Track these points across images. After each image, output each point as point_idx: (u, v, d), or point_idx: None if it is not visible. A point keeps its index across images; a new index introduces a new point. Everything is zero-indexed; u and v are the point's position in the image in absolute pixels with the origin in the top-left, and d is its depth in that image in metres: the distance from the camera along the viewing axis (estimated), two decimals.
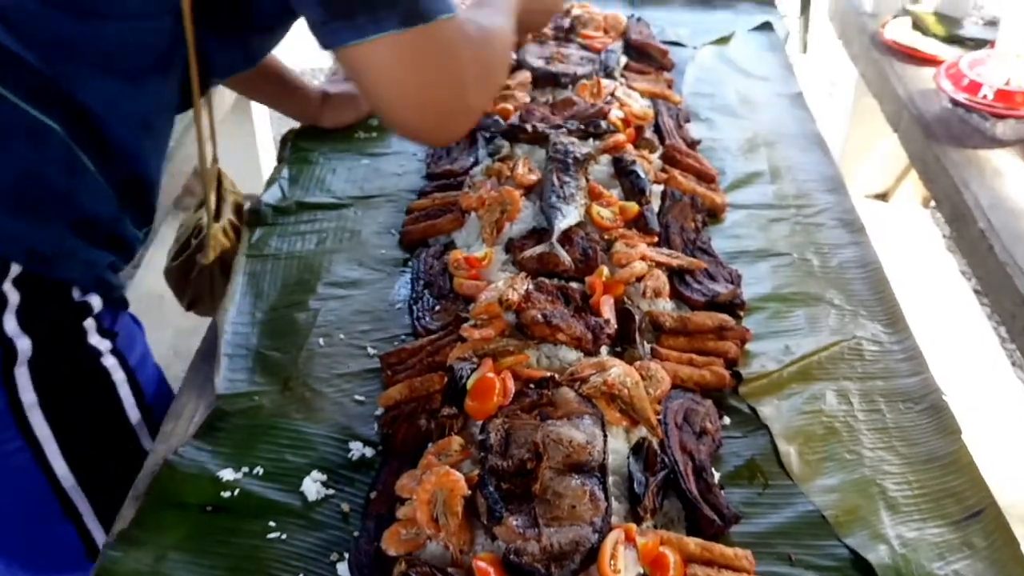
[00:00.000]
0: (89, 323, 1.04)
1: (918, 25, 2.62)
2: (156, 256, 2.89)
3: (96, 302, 1.06)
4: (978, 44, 2.53)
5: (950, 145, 2.15)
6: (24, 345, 0.99)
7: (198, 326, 2.73)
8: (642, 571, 0.90)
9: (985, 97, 2.13)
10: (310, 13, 0.95)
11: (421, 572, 0.88)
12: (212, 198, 1.28)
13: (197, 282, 1.34)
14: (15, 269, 0.96)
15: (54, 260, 0.98)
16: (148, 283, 2.83)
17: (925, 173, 2.23)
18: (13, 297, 0.97)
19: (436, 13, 0.95)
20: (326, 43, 0.96)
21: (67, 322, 1.03)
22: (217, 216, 1.31)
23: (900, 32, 2.57)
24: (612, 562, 0.88)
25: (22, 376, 0.99)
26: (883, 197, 3.16)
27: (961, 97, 2.16)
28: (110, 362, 1.09)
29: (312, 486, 1.03)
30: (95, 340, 1.05)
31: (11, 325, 0.97)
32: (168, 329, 2.69)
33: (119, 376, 1.11)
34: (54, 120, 0.94)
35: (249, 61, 1.18)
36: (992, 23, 2.60)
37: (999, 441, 2.31)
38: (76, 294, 1.05)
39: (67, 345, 1.03)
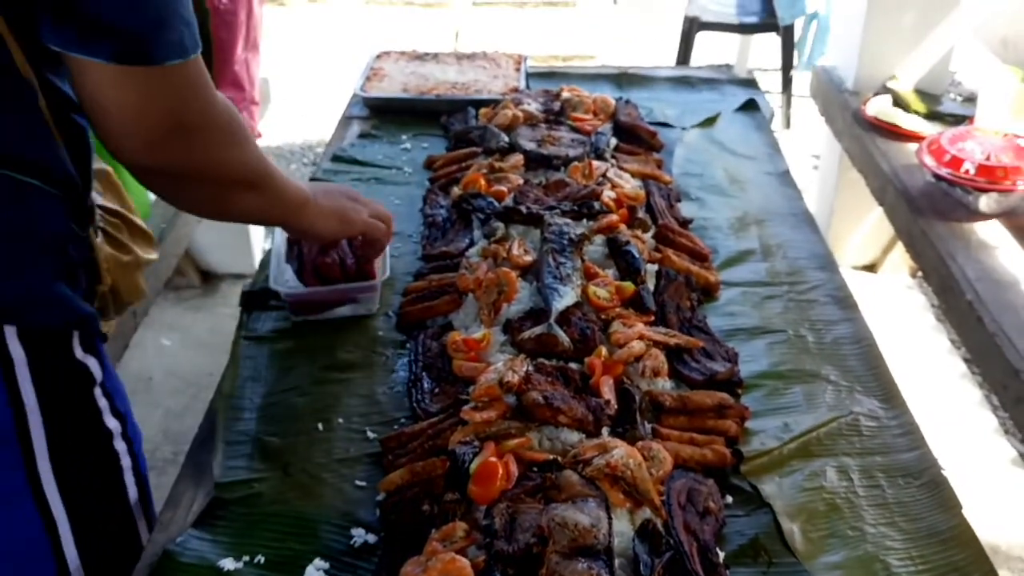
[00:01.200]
0: (102, 402, 1.05)
1: (898, 102, 2.69)
2: (145, 336, 2.89)
3: (95, 366, 1.07)
4: (957, 120, 2.60)
5: (935, 218, 2.19)
6: (35, 410, 0.99)
7: (187, 407, 2.72)
8: None
9: (967, 172, 2.18)
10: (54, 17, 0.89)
11: None
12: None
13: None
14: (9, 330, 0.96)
15: (28, 304, 0.98)
16: (137, 364, 2.82)
17: (912, 246, 2.26)
18: (18, 354, 0.97)
19: (162, 57, 0.92)
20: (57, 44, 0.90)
21: (78, 392, 1.03)
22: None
23: (881, 109, 2.63)
24: None
25: (39, 444, 0.99)
26: (871, 268, 3.19)
27: (944, 172, 2.21)
28: (120, 447, 1.09)
29: (315, 575, 1.02)
30: (111, 423, 1.06)
31: (25, 381, 0.97)
32: (158, 409, 2.68)
33: (126, 462, 1.11)
34: None
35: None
36: (970, 99, 2.68)
37: (996, 510, 2.30)
38: (78, 351, 1.04)
39: (83, 423, 1.04)
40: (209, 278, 3.25)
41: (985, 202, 2.16)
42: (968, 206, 2.19)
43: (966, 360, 2.78)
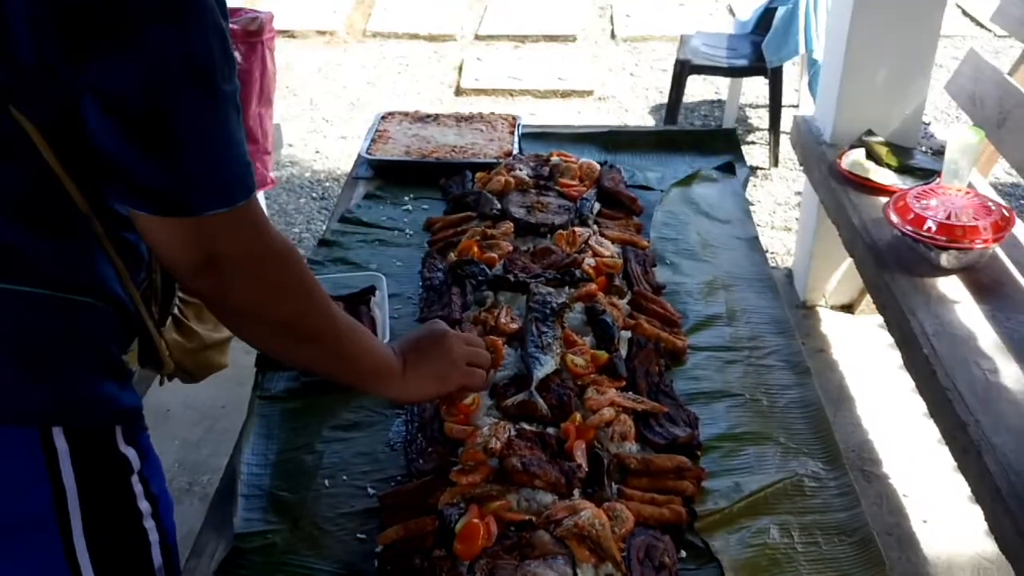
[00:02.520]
0: (137, 487, 1.19)
1: (872, 155, 2.84)
2: None
3: (134, 456, 1.21)
4: (926, 173, 2.76)
5: (899, 272, 2.35)
6: (74, 496, 1.13)
7: (202, 438, 2.87)
8: None
9: (929, 229, 2.34)
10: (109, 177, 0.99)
11: None
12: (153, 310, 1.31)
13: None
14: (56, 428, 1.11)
15: (74, 404, 1.09)
16: (156, 397, 2.98)
17: (878, 298, 2.43)
18: (62, 447, 1.09)
19: (199, 208, 0.98)
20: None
21: (116, 479, 1.17)
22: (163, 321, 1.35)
23: (855, 161, 2.79)
24: None
25: (76, 524, 1.13)
26: (849, 308, 3.35)
27: (908, 229, 2.37)
28: (149, 524, 1.22)
29: None
30: (143, 505, 1.20)
31: (67, 471, 1.09)
32: (175, 441, 2.84)
33: (154, 537, 1.23)
34: (27, 284, 1.03)
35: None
36: (939, 152, 2.83)
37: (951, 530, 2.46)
38: (120, 443, 1.19)
39: (117, 506, 1.18)
40: None
41: (946, 258, 2.32)
42: (930, 261, 2.35)
43: None
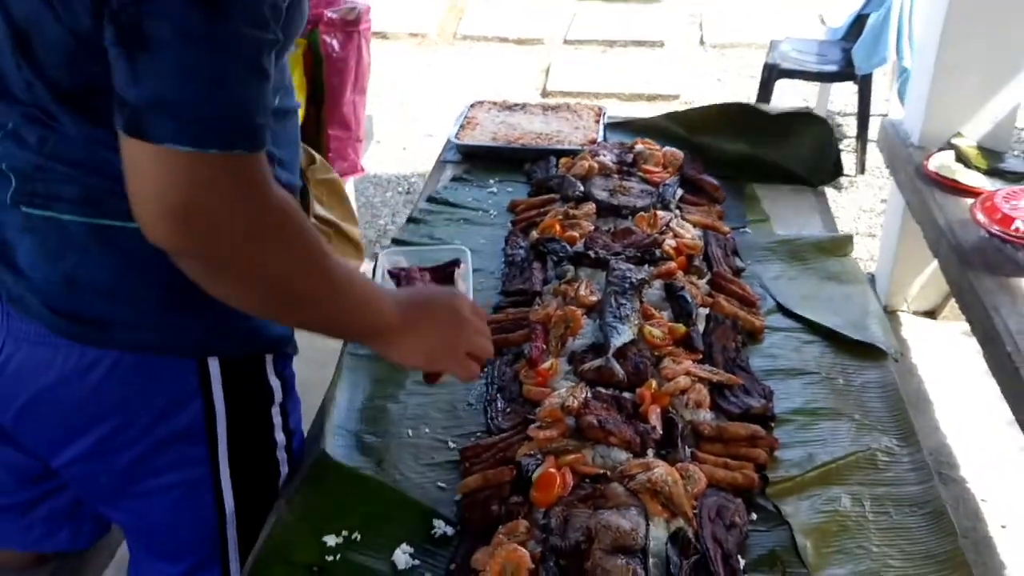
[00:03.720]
0: (277, 419, 1.27)
1: (961, 157, 2.82)
2: None
3: (278, 389, 1.28)
4: (1017, 176, 2.72)
5: (984, 272, 2.33)
6: (223, 417, 1.21)
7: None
8: None
9: (1018, 230, 2.31)
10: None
11: None
12: None
13: None
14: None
15: (228, 339, 1.19)
16: None
17: (960, 298, 2.41)
18: (215, 372, 1.19)
19: (163, 138, 0.89)
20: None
21: (259, 408, 1.25)
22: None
23: (943, 163, 2.77)
24: None
25: (222, 444, 1.22)
26: (931, 314, 3.31)
27: (995, 229, 2.35)
28: (282, 456, 1.31)
29: (402, 556, 1.24)
30: (279, 436, 1.28)
31: (218, 394, 1.19)
32: None
33: (284, 470, 1.34)
34: None
35: None
36: None
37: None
38: (270, 374, 1.27)
39: (258, 433, 1.26)
40: None
41: None
42: (1018, 262, 2.32)
43: None
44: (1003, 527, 2.47)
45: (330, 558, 1.25)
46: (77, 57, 1.00)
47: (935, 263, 3.05)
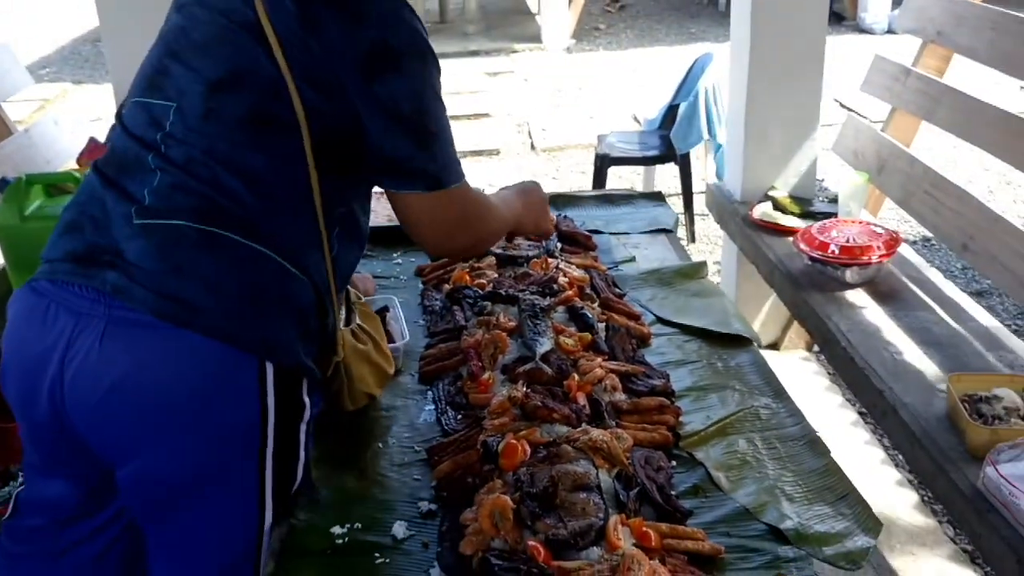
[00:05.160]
0: (302, 436, 1.44)
1: (777, 206, 3.32)
2: None
3: (307, 407, 1.45)
4: (825, 216, 3.23)
5: (813, 291, 2.78)
6: (272, 420, 1.38)
7: None
8: (634, 542, 1.38)
9: (834, 252, 2.78)
10: (381, 171, 1.47)
11: (492, 554, 1.35)
12: (342, 309, 1.69)
13: (333, 379, 1.70)
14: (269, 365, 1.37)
15: (281, 347, 1.39)
16: None
17: (799, 314, 2.85)
18: (270, 378, 1.36)
19: (450, 183, 1.48)
20: (384, 187, 1.49)
21: (293, 419, 1.42)
22: (348, 322, 1.74)
23: (764, 212, 3.26)
24: (616, 535, 1.36)
25: (270, 443, 1.38)
26: (774, 346, 3.77)
27: (816, 255, 2.81)
28: (299, 471, 1.46)
29: (399, 528, 1.50)
30: (301, 453, 1.45)
31: (271, 398, 1.37)
32: None
33: (294, 485, 1.49)
34: (264, 247, 1.36)
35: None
36: (834, 200, 3.31)
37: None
38: (304, 392, 1.44)
39: (289, 443, 1.43)
40: None
41: (850, 275, 2.76)
42: (837, 279, 2.79)
43: (861, 413, 3.34)
44: None
45: (339, 542, 1.49)
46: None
47: (771, 299, 3.53)
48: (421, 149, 1.45)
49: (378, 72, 1.39)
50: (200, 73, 1.39)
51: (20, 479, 1.62)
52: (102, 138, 2.82)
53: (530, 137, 6.78)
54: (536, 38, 9.45)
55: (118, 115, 1.50)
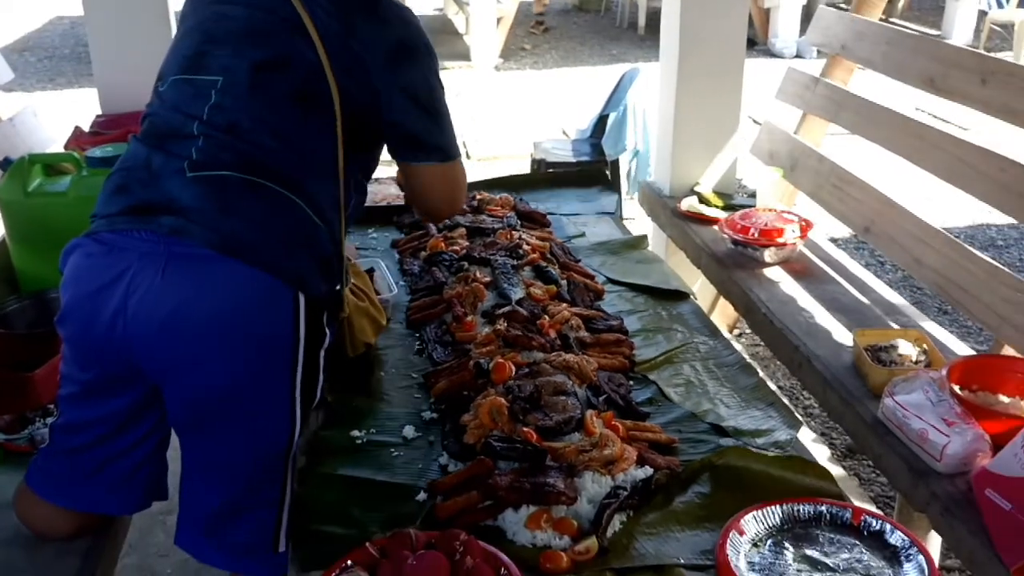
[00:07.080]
0: (322, 360, 1.66)
1: (702, 200, 3.69)
2: None
3: (327, 336, 1.67)
4: (745, 207, 3.61)
5: (736, 269, 3.14)
6: (302, 343, 1.59)
7: None
8: (606, 431, 1.71)
9: (753, 235, 3.16)
10: (402, 146, 1.76)
11: (493, 439, 1.66)
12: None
13: (337, 331, 1.93)
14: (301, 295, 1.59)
15: (310, 282, 1.63)
16: None
17: (725, 291, 3.21)
18: (302, 306, 1.57)
19: (456, 156, 1.79)
20: (398, 159, 1.78)
21: (316, 345, 1.63)
22: (345, 282, 1.91)
23: (691, 205, 3.63)
24: (592, 424, 1.68)
25: (299, 364, 1.59)
26: None
27: (738, 238, 3.19)
28: (318, 393, 1.69)
29: (409, 430, 1.80)
30: (321, 376, 1.66)
31: (302, 325, 1.58)
32: None
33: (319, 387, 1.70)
34: (298, 198, 1.60)
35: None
36: (752, 195, 3.71)
37: None
38: (325, 320, 1.66)
39: (312, 365, 1.63)
40: None
41: (768, 255, 3.14)
42: (757, 259, 3.16)
43: (779, 387, 3.73)
44: None
45: (359, 442, 1.78)
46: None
47: (697, 285, 3.90)
48: (434, 125, 1.74)
49: (399, 63, 1.67)
50: (245, 55, 1.62)
51: (37, 423, 1.81)
52: (86, 127, 3.06)
53: (465, 147, 7.12)
54: (465, 56, 9.79)
55: (155, 93, 1.71)
